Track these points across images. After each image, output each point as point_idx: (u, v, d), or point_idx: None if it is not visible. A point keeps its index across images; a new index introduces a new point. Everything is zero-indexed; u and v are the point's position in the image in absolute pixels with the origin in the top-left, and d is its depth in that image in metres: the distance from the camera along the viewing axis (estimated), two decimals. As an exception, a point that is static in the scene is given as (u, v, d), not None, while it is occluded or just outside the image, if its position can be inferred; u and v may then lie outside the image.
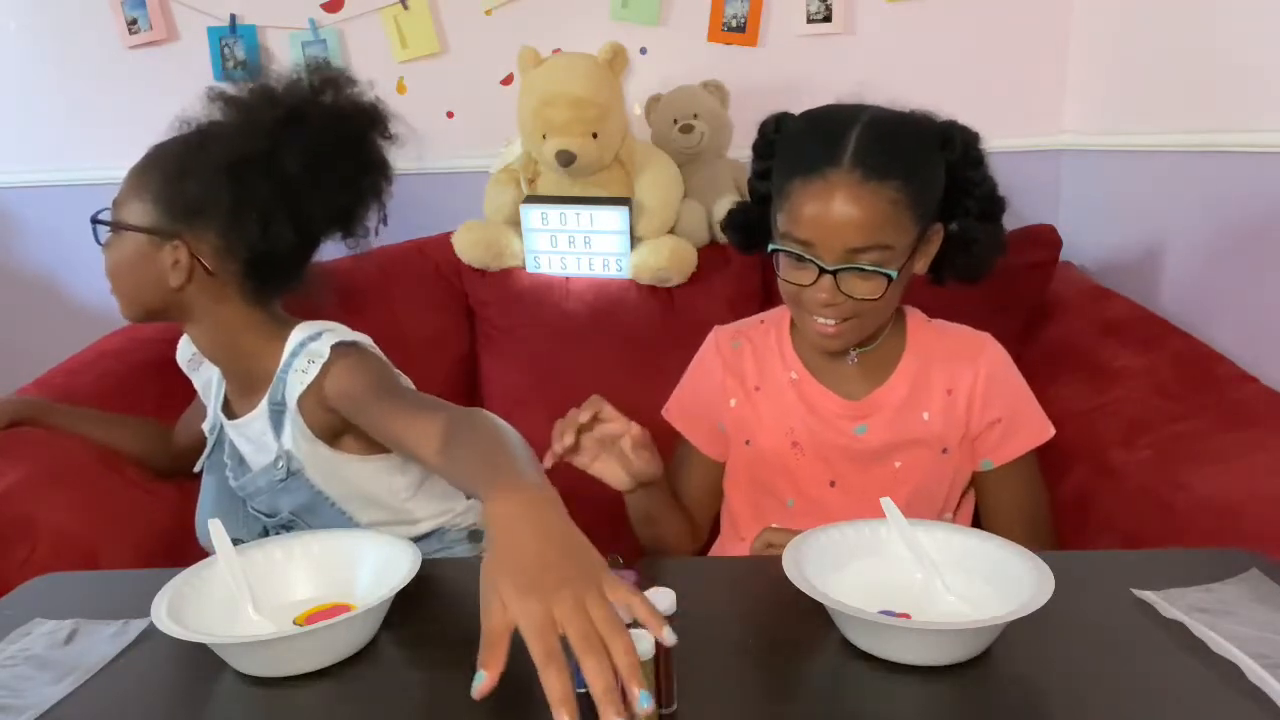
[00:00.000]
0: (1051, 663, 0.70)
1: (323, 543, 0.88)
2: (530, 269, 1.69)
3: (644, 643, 0.61)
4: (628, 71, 1.73)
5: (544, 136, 1.57)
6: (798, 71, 1.80)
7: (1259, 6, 1.26)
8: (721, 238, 1.57)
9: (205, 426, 1.18)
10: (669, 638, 0.59)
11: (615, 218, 1.61)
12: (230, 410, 1.14)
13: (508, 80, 1.87)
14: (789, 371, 1.14)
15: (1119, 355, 1.34)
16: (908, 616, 0.75)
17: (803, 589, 0.72)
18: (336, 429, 1.06)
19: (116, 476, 1.29)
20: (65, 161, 1.99)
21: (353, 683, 0.73)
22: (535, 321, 1.68)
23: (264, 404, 1.07)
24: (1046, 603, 0.68)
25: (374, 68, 1.79)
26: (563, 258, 1.66)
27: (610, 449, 1.03)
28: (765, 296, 1.63)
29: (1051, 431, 1.12)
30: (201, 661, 0.74)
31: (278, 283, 1.08)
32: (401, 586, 0.76)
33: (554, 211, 1.62)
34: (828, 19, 1.78)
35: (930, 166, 1.01)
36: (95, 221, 1.04)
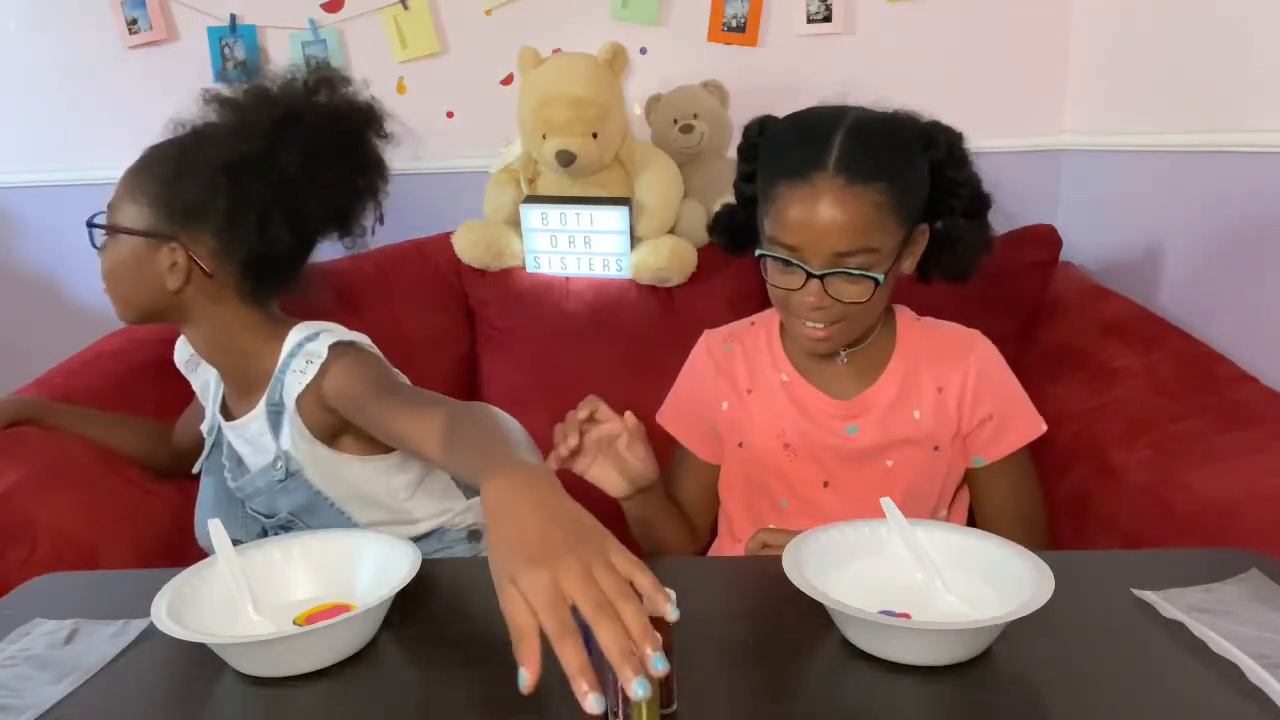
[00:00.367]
0: (1051, 663, 0.70)
1: (322, 543, 0.88)
2: (530, 269, 1.69)
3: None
4: (628, 71, 1.73)
5: (544, 136, 1.57)
6: (798, 71, 1.80)
7: (1259, 6, 1.26)
8: (722, 238, 1.57)
9: (203, 428, 1.18)
10: (672, 613, 0.59)
11: (615, 218, 1.61)
12: (228, 411, 1.14)
13: (508, 80, 1.87)
14: (779, 373, 1.14)
15: (1119, 355, 1.34)
16: (908, 616, 0.75)
17: (803, 589, 0.72)
18: (335, 429, 1.06)
19: (116, 476, 1.29)
20: (65, 161, 1.99)
21: (353, 683, 0.73)
22: (535, 321, 1.68)
23: (262, 405, 1.06)
24: (1046, 603, 0.68)
25: (374, 68, 1.79)
26: (563, 258, 1.66)
27: (606, 453, 1.03)
28: (765, 297, 1.61)
29: (1043, 427, 1.11)
30: (201, 661, 0.74)
31: (275, 283, 1.08)
32: (401, 586, 0.76)
33: (554, 211, 1.62)
34: (828, 19, 1.78)
35: (914, 168, 1.01)
36: (91, 225, 1.04)
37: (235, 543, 0.84)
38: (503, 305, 1.70)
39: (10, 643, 0.79)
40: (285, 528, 1.09)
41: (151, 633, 0.77)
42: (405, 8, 1.84)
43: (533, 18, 1.82)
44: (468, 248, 1.67)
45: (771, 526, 1.04)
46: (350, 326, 1.09)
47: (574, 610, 0.56)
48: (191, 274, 1.02)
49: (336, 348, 1.02)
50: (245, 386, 1.10)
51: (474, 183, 1.79)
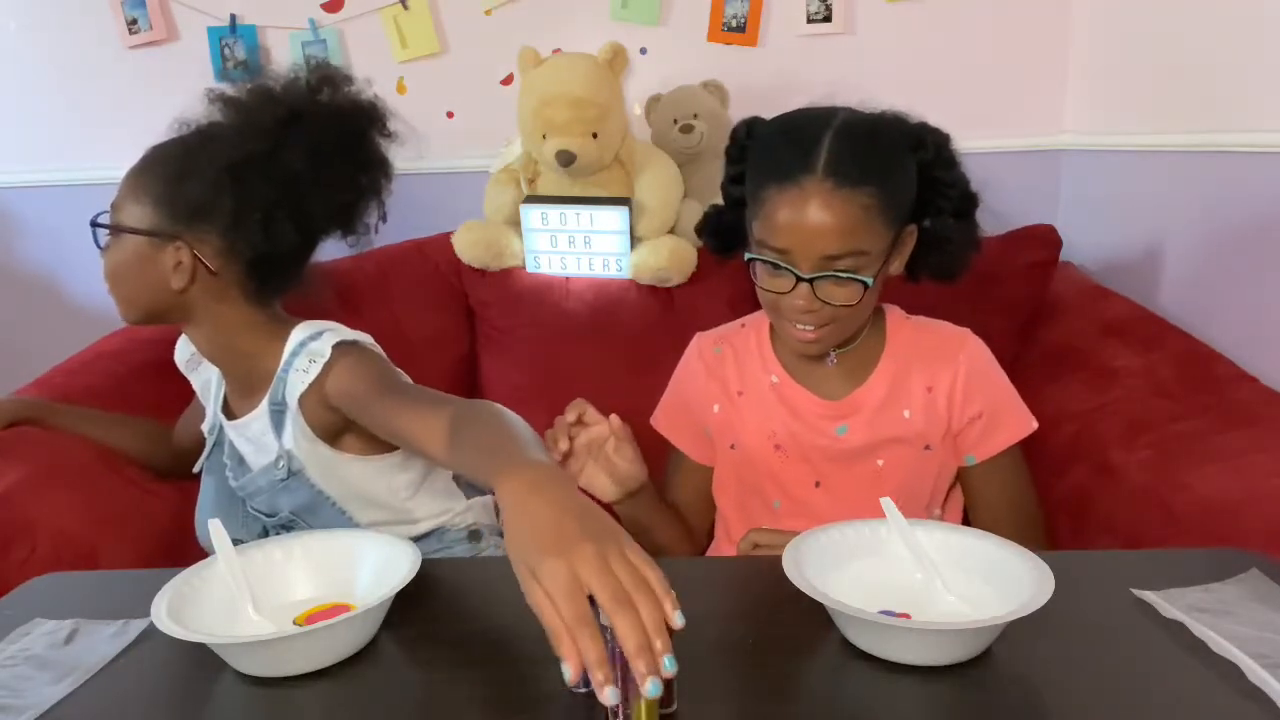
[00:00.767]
0: (1051, 663, 0.70)
1: (323, 543, 0.88)
2: (530, 269, 1.69)
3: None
4: (628, 71, 1.73)
5: (544, 136, 1.57)
6: (798, 71, 1.80)
7: (1259, 7, 1.26)
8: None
9: (204, 427, 1.18)
10: (678, 620, 0.59)
11: (615, 218, 1.61)
12: (230, 410, 1.14)
13: (508, 80, 1.87)
14: (769, 375, 1.14)
15: (1119, 355, 1.34)
16: (908, 616, 0.75)
17: (803, 589, 0.72)
18: (338, 428, 1.06)
19: (116, 476, 1.29)
20: (65, 161, 1.99)
21: (353, 683, 0.73)
22: (535, 321, 1.68)
23: (264, 404, 1.06)
24: (1046, 603, 0.68)
25: (374, 68, 1.77)
26: (563, 258, 1.66)
27: (596, 457, 1.03)
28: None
29: (1034, 425, 1.11)
30: (201, 661, 0.74)
31: (279, 282, 1.08)
32: (401, 586, 0.76)
33: (554, 211, 1.62)
34: (828, 19, 1.78)
35: (903, 170, 1.01)
36: (95, 225, 1.04)
37: (236, 542, 0.84)
38: (503, 305, 1.70)
39: (10, 643, 0.79)
40: (286, 527, 1.09)
41: (151, 633, 0.77)
42: (405, 8, 1.84)
43: (533, 18, 1.83)
44: (468, 248, 1.67)
45: (763, 527, 1.04)
46: (350, 326, 1.09)
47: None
48: (196, 273, 1.02)
49: (340, 347, 1.02)
50: (248, 386, 1.10)
51: (474, 183, 1.79)
